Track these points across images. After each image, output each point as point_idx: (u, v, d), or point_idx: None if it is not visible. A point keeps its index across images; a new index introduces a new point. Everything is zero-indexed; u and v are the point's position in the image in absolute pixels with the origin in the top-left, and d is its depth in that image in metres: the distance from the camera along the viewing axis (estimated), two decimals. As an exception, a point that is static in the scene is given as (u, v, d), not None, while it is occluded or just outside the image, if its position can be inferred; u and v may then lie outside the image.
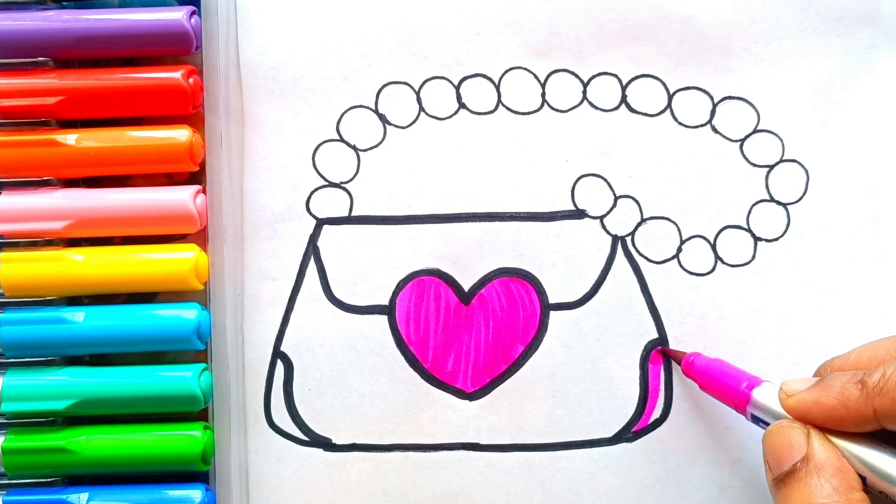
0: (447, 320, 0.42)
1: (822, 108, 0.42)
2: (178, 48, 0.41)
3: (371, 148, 0.43)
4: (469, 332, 0.42)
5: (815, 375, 0.38)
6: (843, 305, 0.42)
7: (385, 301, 0.42)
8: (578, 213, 0.42)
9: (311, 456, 0.42)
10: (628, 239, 0.42)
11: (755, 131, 0.42)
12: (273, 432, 0.42)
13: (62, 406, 0.40)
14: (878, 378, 0.34)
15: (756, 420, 0.38)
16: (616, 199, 0.42)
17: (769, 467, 0.36)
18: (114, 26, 0.40)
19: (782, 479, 0.35)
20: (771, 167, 0.42)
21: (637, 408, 0.42)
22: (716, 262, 0.42)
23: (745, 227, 0.42)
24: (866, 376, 0.35)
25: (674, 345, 0.42)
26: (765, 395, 0.37)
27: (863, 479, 0.34)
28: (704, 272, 0.42)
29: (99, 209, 0.41)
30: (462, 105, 0.42)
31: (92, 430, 0.41)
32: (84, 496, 0.41)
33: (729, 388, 0.39)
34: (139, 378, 0.41)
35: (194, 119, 0.42)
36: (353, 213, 0.43)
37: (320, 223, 0.43)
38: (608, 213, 0.42)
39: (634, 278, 0.42)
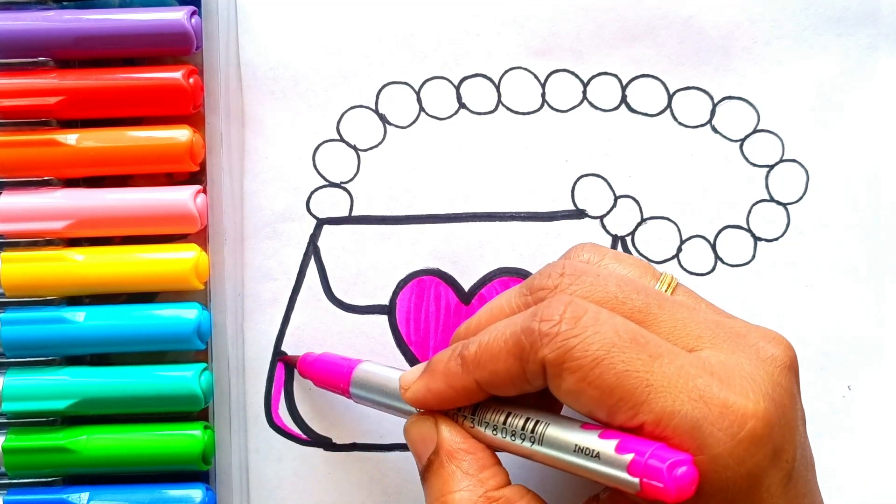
0: (447, 320, 0.42)
1: (822, 108, 0.42)
2: (179, 48, 0.41)
3: (371, 148, 0.43)
4: (469, 331, 0.42)
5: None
6: (843, 305, 0.42)
7: (385, 301, 0.42)
8: (578, 213, 0.42)
9: (311, 456, 0.42)
10: (628, 239, 0.42)
11: (755, 131, 0.42)
12: (273, 432, 0.42)
13: (62, 406, 0.40)
14: (475, 349, 0.32)
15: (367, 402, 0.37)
16: (616, 199, 0.42)
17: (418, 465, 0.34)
18: (114, 26, 0.40)
19: (423, 474, 0.34)
20: (771, 167, 0.42)
21: (637, 408, 0.42)
22: (716, 262, 0.42)
23: (745, 227, 0.42)
24: (464, 349, 0.33)
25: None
26: (365, 372, 0.37)
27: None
28: (704, 272, 0.42)
29: (99, 209, 0.41)
30: (462, 105, 0.42)
31: (92, 430, 0.41)
32: (84, 496, 0.41)
33: (333, 371, 0.38)
34: (139, 378, 0.41)
35: (194, 119, 0.42)
36: (354, 213, 0.43)
37: (320, 223, 0.43)
38: (608, 213, 0.42)
39: (634, 278, 0.42)
